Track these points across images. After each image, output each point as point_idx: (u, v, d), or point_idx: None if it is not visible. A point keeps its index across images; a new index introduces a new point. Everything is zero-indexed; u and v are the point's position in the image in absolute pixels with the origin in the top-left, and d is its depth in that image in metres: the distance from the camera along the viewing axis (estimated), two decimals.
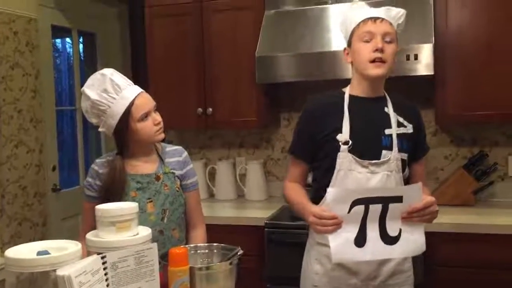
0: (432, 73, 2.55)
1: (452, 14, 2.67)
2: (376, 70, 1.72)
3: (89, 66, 4.14)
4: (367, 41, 1.72)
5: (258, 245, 2.67)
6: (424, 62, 2.53)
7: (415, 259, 1.84)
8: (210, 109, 3.07)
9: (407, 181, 1.82)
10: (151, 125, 1.83)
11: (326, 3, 2.86)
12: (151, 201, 1.84)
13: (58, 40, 4.58)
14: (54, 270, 1.15)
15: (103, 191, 1.83)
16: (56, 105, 3.61)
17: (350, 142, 1.73)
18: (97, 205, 1.59)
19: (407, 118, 1.81)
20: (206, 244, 1.70)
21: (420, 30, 2.59)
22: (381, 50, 1.69)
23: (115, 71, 1.85)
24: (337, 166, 1.74)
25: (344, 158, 1.73)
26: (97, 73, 1.83)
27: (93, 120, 1.86)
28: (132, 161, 1.88)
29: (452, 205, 2.76)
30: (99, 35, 4.08)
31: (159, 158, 1.92)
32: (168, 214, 1.86)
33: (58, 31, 3.83)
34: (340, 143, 1.74)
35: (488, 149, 2.93)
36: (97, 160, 1.92)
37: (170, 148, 1.98)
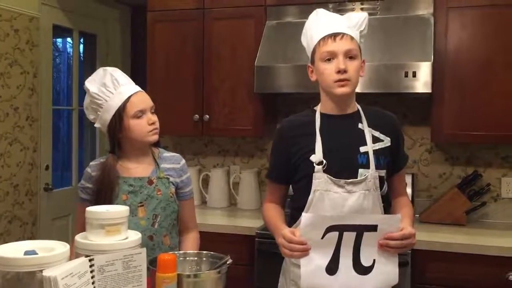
0: (429, 91, 2.56)
1: (452, 34, 2.68)
2: (341, 89, 1.69)
3: (89, 67, 4.14)
4: (329, 60, 1.69)
5: (248, 255, 2.66)
6: (422, 80, 2.54)
7: (401, 276, 1.81)
8: (207, 116, 3.07)
9: (386, 197, 1.77)
10: (145, 124, 1.83)
11: None
12: (143, 205, 1.83)
13: (59, 40, 4.59)
14: (41, 271, 1.14)
15: (95, 193, 1.82)
16: (54, 105, 3.60)
17: (324, 162, 1.70)
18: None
19: (383, 131, 1.77)
20: (195, 251, 1.69)
21: (420, 48, 2.60)
22: (343, 71, 1.67)
23: (119, 70, 1.89)
24: (313, 187, 1.71)
25: (319, 178, 1.70)
26: (100, 68, 1.88)
27: (91, 116, 1.89)
28: (126, 163, 1.88)
29: (444, 223, 2.76)
30: (100, 37, 4.09)
31: (154, 162, 1.91)
32: (159, 220, 1.84)
33: (60, 31, 3.84)
34: (314, 164, 1.71)
35: (482, 170, 2.94)
36: (91, 163, 1.92)
37: (167, 154, 1.97)
